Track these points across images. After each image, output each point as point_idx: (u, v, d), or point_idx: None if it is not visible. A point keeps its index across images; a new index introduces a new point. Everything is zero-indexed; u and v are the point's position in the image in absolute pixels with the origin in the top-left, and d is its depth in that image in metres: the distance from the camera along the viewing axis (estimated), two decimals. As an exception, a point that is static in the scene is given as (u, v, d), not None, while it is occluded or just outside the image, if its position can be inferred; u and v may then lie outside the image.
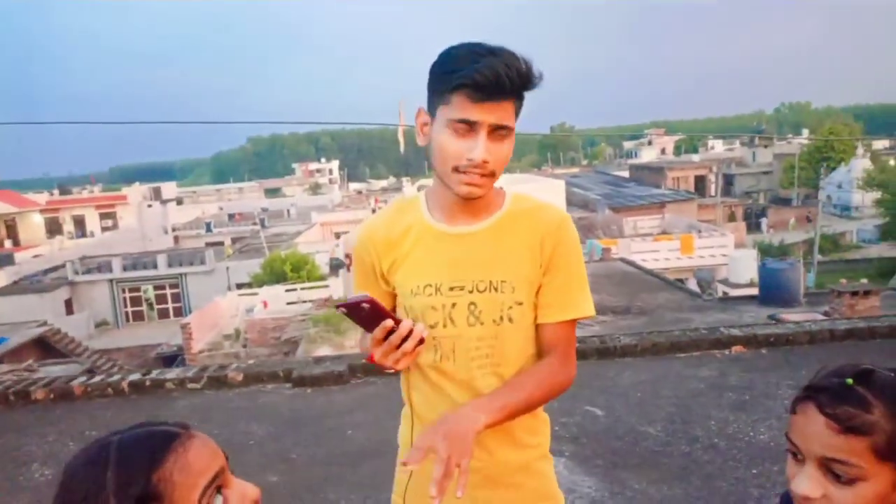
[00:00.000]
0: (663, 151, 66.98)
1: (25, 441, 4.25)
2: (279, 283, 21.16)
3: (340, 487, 3.36)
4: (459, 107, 1.18)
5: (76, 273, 27.79)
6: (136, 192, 45.36)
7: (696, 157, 56.40)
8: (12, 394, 4.89)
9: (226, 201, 55.27)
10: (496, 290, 1.28)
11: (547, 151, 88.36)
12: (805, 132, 56.29)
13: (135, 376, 5.01)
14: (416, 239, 1.32)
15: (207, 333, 17.46)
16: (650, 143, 70.08)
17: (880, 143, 52.63)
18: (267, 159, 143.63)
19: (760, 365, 4.63)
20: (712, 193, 39.04)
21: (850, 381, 0.91)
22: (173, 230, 37.68)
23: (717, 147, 66.30)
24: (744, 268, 17.16)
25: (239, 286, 23.66)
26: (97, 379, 5.04)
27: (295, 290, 20.00)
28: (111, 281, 27.92)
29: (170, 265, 28.32)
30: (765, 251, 25.97)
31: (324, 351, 11.91)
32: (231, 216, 44.38)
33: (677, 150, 69.71)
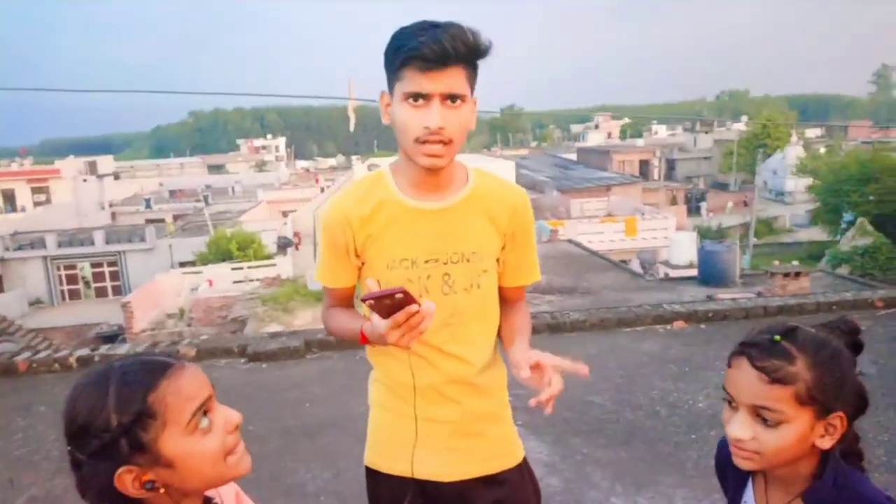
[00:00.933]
0: (609, 135, 68.38)
1: (-32, 417, 4.13)
2: (225, 262, 20.76)
3: (300, 458, 3.41)
4: (410, 80, 1.25)
5: (7, 249, 26.49)
6: (70, 165, 43.39)
7: (640, 142, 57.74)
8: (-50, 371, 4.72)
9: (166, 177, 53.29)
10: (468, 261, 1.39)
11: (497, 133, 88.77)
12: (744, 119, 58.33)
13: (83, 352, 4.90)
14: (389, 215, 1.38)
15: (149, 312, 17.02)
16: (597, 126, 71.44)
17: (812, 132, 55.12)
18: (210, 135, 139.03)
19: (699, 339, 4.90)
20: (656, 177, 40.15)
21: (777, 337, 1.05)
22: (110, 206, 36.17)
23: (661, 132, 68.10)
24: (684, 250, 17.81)
25: (182, 264, 23.06)
26: (43, 354, 4.90)
27: (241, 268, 19.69)
28: (45, 258, 26.74)
29: (108, 242, 27.29)
30: (704, 234, 26.99)
31: (273, 330, 11.80)
32: (172, 192, 42.91)
33: (623, 135, 71.27)
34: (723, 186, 44.56)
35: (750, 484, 1.17)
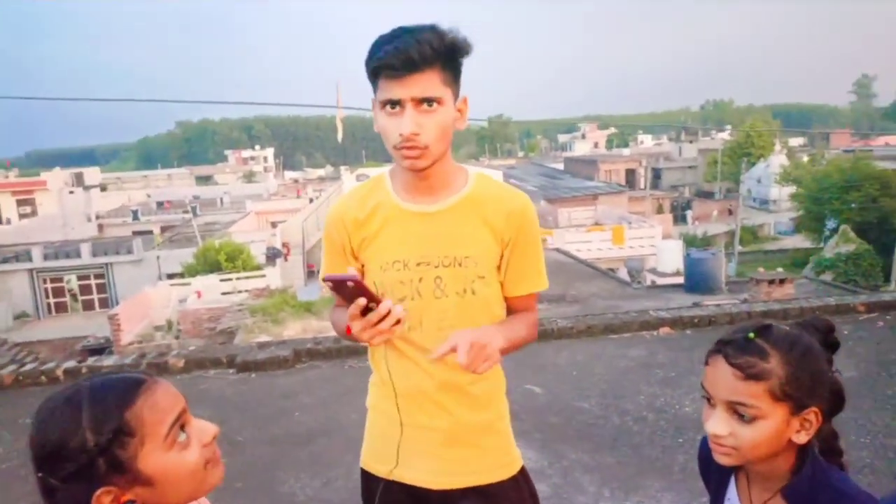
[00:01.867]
0: (596, 145, 68.95)
1: (-47, 432, 4.09)
2: (213, 273, 20.63)
3: (290, 467, 3.42)
4: (383, 88, 1.27)
5: (-9, 262, 26.20)
6: (56, 177, 42.98)
7: (626, 151, 58.32)
8: (-65, 384, 4.68)
9: (153, 188, 52.96)
10: (460, 265, 1.37)
11: (485, 143, 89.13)
12: (728, 129, 59.01)
13: (70, 363, 4.88)
14: (384, 218, 1.40)
15: (137, 325, 16.86)
16: (584, 136, 71.95)
17: (795, 141, 55.85)
18: (197, 145, 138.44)
19: (685, 344, 4.95)
20: (642, 186, 40.49)
21: (751, 335, 1.07)
22: (97, 218, 35.84)
23: (647, 142, 68.76)
24: (670, 258, 17.97)
25: (170, 276, 22.88)
26: (29, 367, 4.88)
27: (230, 279, 19.58)
28: (31, 271, 26.42)
29: (94, 254, 27.01)
30: (690, 242, 27.21)
31: (262, 340, 11.74)
32: (160, 204, 42.64)
33: (609, 144, 71.86)
34: (708, 195, 45.01)
35: (732, 481, 1.19)
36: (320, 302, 16.96)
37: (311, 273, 23.37)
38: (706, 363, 1.11)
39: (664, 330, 5.15)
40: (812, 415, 1.05)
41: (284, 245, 23.40)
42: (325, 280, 1.23)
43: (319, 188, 40.70)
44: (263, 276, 20.04)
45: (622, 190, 33.51)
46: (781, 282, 10.79)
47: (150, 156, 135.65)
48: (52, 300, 27.06)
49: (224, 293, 18.72)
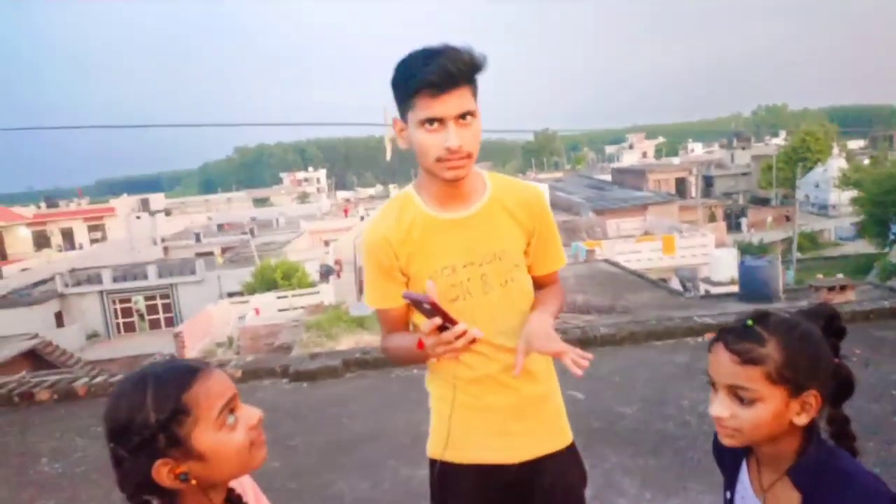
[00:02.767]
0: (644, 155, 67.82)
1: (32, 438, 4.38)
2: (270, 291, 21.29)
3: (339, 470, 3.56)
4: (423, 107, 1.37)
5: (66, 285, 27.67)
6: (124, 203, 45.18)
7: (676, 160, 57.18)
8: (17, 395, 4.99)
9: (214, 212, 55.04)
10: (500, 259, 1.53)
11: (531, 157, 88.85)
12: (782, 134, 57.14)
13: (137, 376, 5.19)
14: (423, 230, 1.51)
15: (200, 341, 17.55)
16: (631, 147, 70.95)
17: (855, 143, 53.59)
18: (254, 169, 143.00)
19: (731, 350, 4.89)
20: (693, 195, 39.59)
21: (750, 322, 1.13)
22: (162, 241, 37.53)
23: (697, 150, 67.24)
24: (724, 266, 17.55)
25: (230, 295, 23.76)
26: (100, 379, 5.21)
27: (286, 297, 20.17)
28: (101, 292, 27.82)
29: (160, 276, 28.27)
30: (745, 250, 26.42)
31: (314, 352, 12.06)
32: (220, 226, 44.31)
33: (658, 154, 70.54)
34: (763, 202, 43.65)
35: (745, 465, 1.25)
36: (372, 317, 17.27)
37: (362, 289, 23.76)
38: (709, 350, 1.17)
39: (709, 335, 5.11)
40: (811, 397, 1.10)
41: (337, 262, 23.90)
42: (404, 295, 1.40)
43: (370, 206, 41.43)
44: (317, 293, 20.57)
45: (672, 199, 32.87)
46: (843, 288, 10.42)
47: (210, 181, 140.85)
48: (121, 320, 28.40)
49: (280, 310, 19.29)
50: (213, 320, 19.06)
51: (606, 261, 18.79)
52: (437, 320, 1.32)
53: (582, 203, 30.46)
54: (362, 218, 33.57)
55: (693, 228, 25.27)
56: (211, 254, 34.30)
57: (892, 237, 24.05)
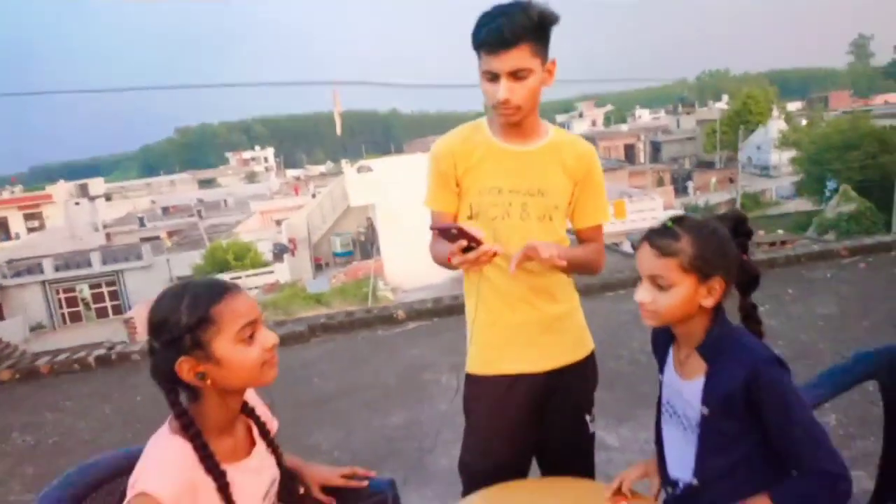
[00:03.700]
0: (594, 123, 68.68)
1: (-1, 415, 4.39)
2: (222, 272, 21.02)
3: (315, 423, 3.72)
4: (484, 61, 1.56)
5: (4, 276, 26.64)
6: (61, 190, 43.51)
7: (624, 127, 58.17)
8: (-24, 378, 4.97)
9: (157, 195, 53.47)
10: (543, 195, 1.69)
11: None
12: (725, 98, 58.74)
13: (100, 351, 5.20)
14: (483, 153, 1.70)
15: (153, 326, 17.22)
16: (581, 115, 71.69)
17: (793, 105, 55.54)
18: (197, 150, 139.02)
19: (677, 297, 5.21)
20: (641, 161, 40.58)
21: (669, 223, 1.35)
22: (104, 227, 36.34)
23: (644, 116, 68.51)
24: (672, 227, 18.07)
25: (180, 278, 23.28)
26: (62, 357, 5.19)
27: (240, 277, 19.97)
28: (43, 283, 26.91)
29: (104, 262, 27.49)
30: (692, 212, 27.34)
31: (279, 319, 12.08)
32: (165, 209, 43.19)
33: (607, 121, 71.59)
34: (709, 165, 44.94)
35: (671, 350, 1.47)
36: (329, 293, 17.29)
37: (318, 266, 23.68)
38: (635, 249, 1.39)
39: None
40: (716, 283, 1.31)
41: (291, 241, 23.70)
42: (431, 228, 1.56)
43: (321, 184, 40.95)
44: (272, 272, 20.44)
45: (621, 165, 33.66)
46: (783, 243, 10.98)
47: (151, 163, 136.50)
48: (66, 310, 27.53)
49: (235, 290, 19.07)
50: (166, 304, 18.71)
51: (559, 227, 19.16)
52: (463, 242, 1.48)
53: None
54: (314, 195, 33.18)
55: (642, 193, 26.00)
56: (157, 238, 33.48)
57: (827, 194, 25.24)
